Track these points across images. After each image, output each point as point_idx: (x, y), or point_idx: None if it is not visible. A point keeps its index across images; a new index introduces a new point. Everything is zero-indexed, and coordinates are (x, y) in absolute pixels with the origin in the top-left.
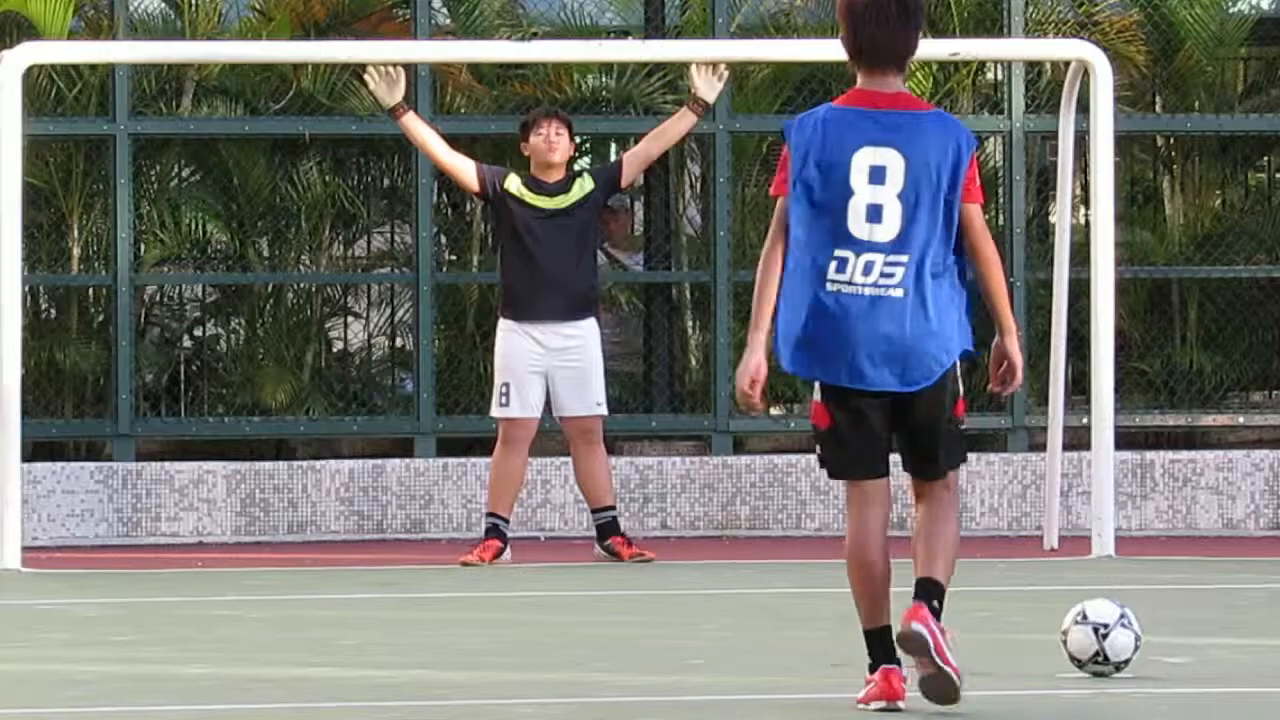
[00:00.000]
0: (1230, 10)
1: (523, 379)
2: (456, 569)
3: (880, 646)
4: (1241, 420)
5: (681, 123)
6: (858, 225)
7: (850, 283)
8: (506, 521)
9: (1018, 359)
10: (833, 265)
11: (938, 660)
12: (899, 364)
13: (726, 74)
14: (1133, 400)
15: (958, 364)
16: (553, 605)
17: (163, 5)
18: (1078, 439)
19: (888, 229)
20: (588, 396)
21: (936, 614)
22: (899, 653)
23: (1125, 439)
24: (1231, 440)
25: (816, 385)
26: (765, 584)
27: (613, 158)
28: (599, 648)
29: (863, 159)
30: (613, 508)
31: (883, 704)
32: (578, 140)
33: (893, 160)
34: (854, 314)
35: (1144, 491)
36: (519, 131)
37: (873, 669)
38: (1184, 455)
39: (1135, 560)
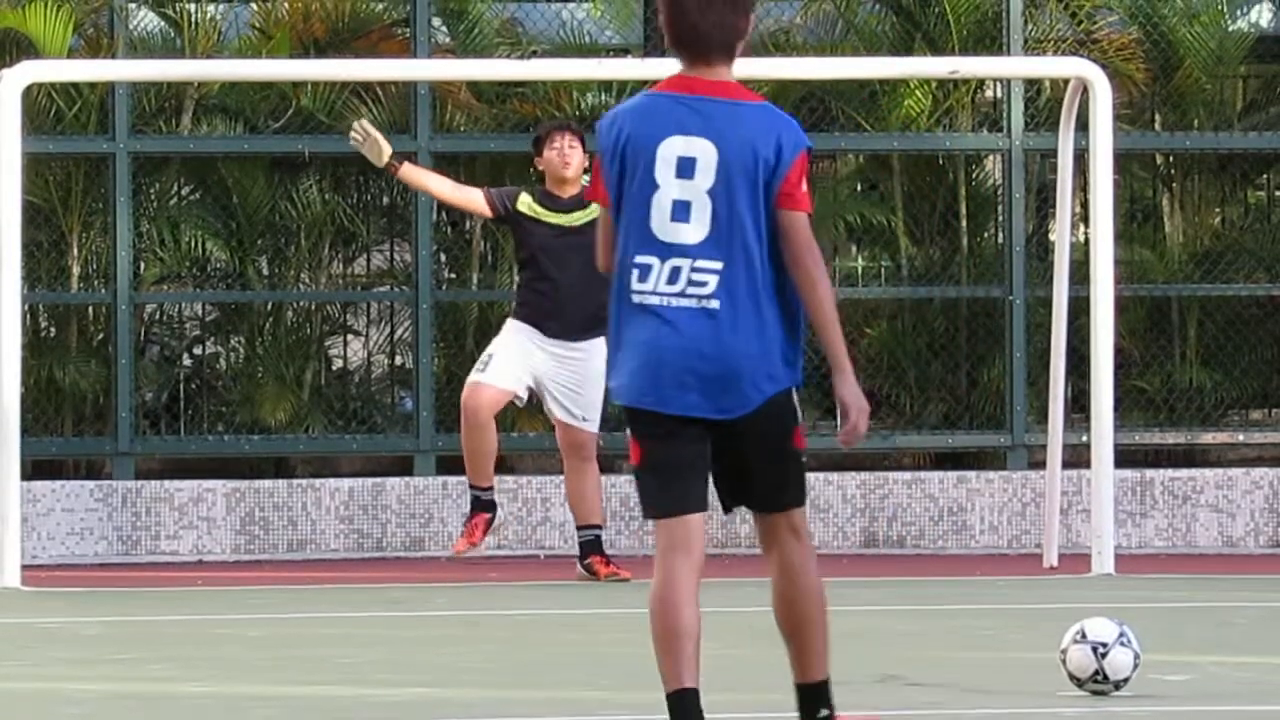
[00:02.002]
0: (1230, 28)
1: (511, 356)
2: (457, 587)
3: (681, 713)
4: (1241, 438)
5: None
6: (662, 225)
7: (655, 292)
8: (489, 489)
9: (851, 403)
10: (635, 273)
11: None
12: (712, 387)
13: None
14: (1132, 418)
15: (792, 391)
16: (552, 623)
17: (162, 23)
18: (1077, 457)
19: (696, 229)
20: (576, 408)
21: None
22: None
23: (1125, 457)
24: (1231, 458)
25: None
26: (765, 602)
27: None
28: (599, 666)
29: (670, 149)
30: (598, 527)
31: None
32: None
33: (704, 151)
34: (659, 328)
35: (1144, 509)
36: (532, 146)
37: None
38: (1183, 473)
39: (1135, 578)
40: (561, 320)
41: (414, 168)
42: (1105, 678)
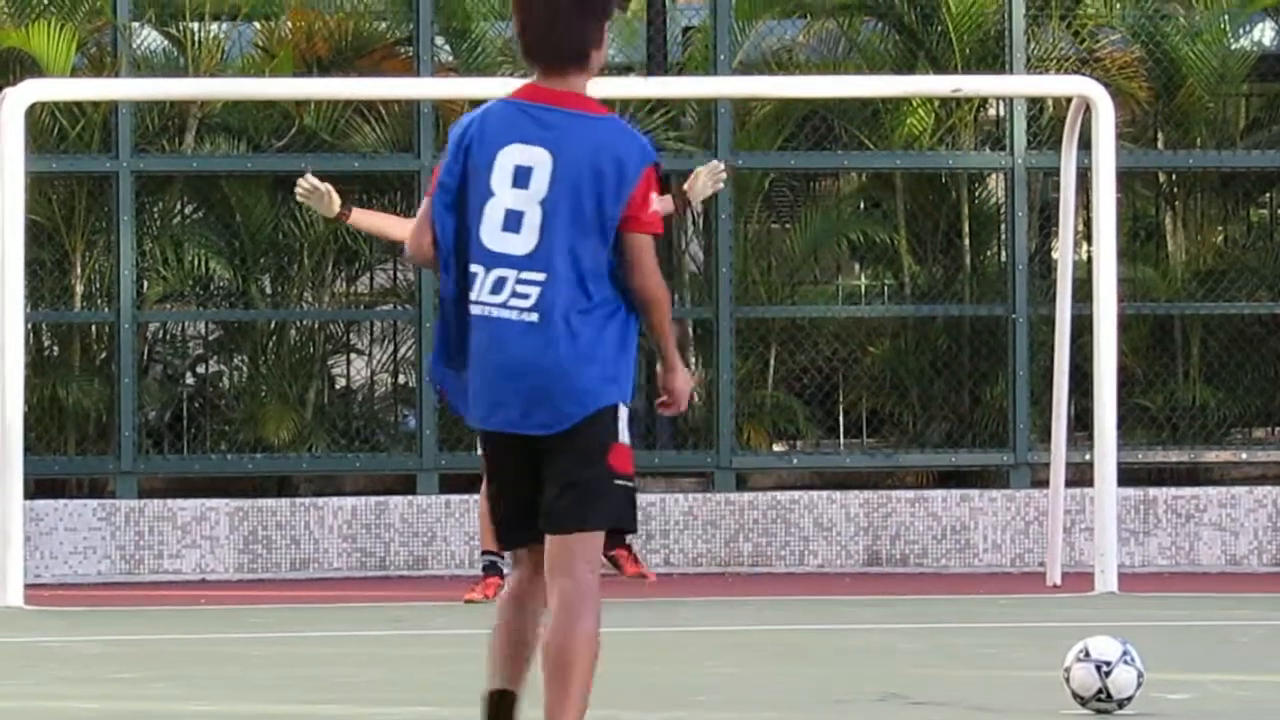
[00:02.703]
0: (1232, 47)
1: None
2: (459, 605)
3: (487, 714)
4: (1244, 456)
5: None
6: (492, 234)
7: (479, 301)
8: (501, 557)
9: (678, 389)
10: (468, 280)
11: None
12: (529, 403)
13: (725, 179)
14: (1135, 436)
15: (619, 410)
16: None
17: (165, 42)
18: (1080, 475)
19: (524, 240)
20: None
21: None
22: None
23: (1128, 475)
24: (1234, 476)
25: None
26: (768, 620)
27: None
28: (602, 684)
29: (508, 157)
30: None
31: None
32: None
33: (541, 161)
34: (483, 340)
35: (1147, 527)
36: None
37: None
38: (1186, 491)
39: (1138, 596)
40: None
41: (364, 211)
42: (1109, 696)
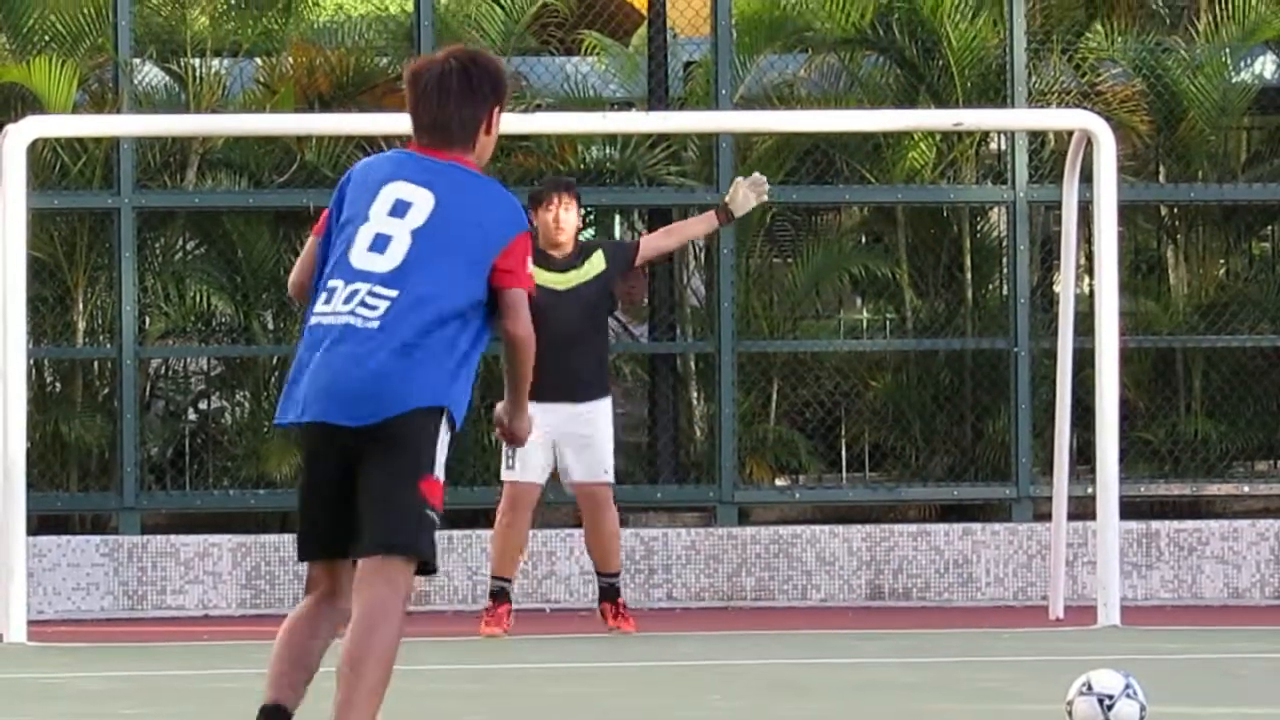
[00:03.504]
0: (1233, 80)
1: (528, 445)
2: (461, 641)
3: None
4: (1246, 489)
5: (703, 225)
6: (359, 255)
7: (329, 312)
8: (511, 582)
9: (520, 430)
10: (321, 297)
11: None
12: (352, 397)
13: (767, 192)
14: (1137, 469)
15: (439, 430)
16: (558, 677)
17: (166, 78)
18: (1083, 508)
19: (388, 260)
20: (595, 465)
21: None
22: None
23: (1130, 508)
24: (1236, 509)
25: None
26: (771, 655)
27: (616, 230)
28: (606, 717)
29: (391, 191)
30: (615, 575)
31: None
32: (588, 211)
33: (422, 198)
34: (316, 345)
35: (1149, 561)
36: (528, 202)
37: None
38: (1189, 524)
39: (1141, 630)
40: (555, 380)
41: None
42: None
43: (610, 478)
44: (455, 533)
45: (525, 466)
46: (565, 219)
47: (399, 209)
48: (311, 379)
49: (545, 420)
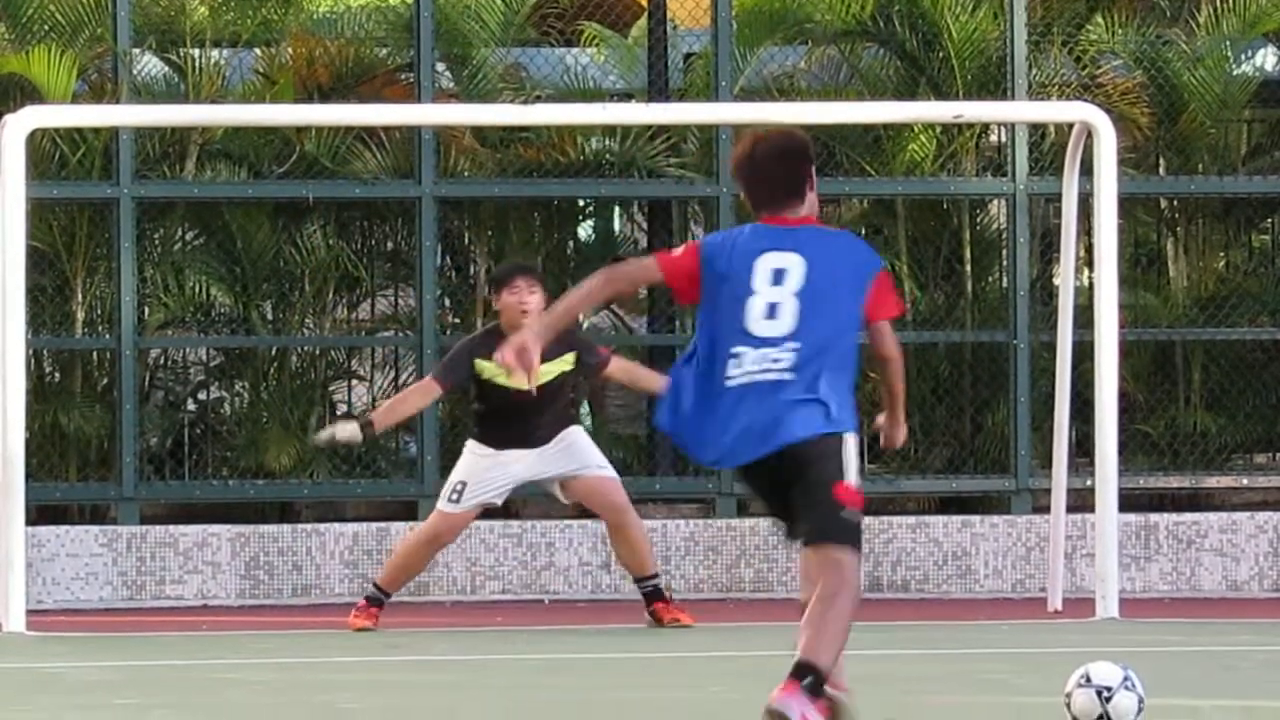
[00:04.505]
0: (1233, 73)
1: (483, 482)
2: (460, 631)
3: None
4: (1245, 482)
5: (653, 386)
6: (757, 323)
7: (745, 373)
8: (388, 597)
9: (898, 438)
10: (731, 362)
11: None
12: (763, 431)
13: None
14: (1136, 462)
15: (845, 440)
16: (556, 669)
17: (166, 69)
18: (1081, 501)
19: (783, 324)
20: (585, 468)
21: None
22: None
23: (1129, 501)
24: (1235, 502)
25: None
26: (770, 646)
27: (615, 222)
28: (603, 711)
29: (766, 263)
30: (654, 577)
31: None
32: (587, 203)
33: (794, 263)
34: (745, 400)
35: (1148, 553)
36: (490, 286)
37: None
38: (1188, 517)
39: (1139, 622)
40: (529, 441)
41: (384, 415)
42: None
43: (610, 472)
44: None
45: (469, 502)
46: (529, 301)
47: (778, 277)
48: (741, 429)
49: (510, 470)
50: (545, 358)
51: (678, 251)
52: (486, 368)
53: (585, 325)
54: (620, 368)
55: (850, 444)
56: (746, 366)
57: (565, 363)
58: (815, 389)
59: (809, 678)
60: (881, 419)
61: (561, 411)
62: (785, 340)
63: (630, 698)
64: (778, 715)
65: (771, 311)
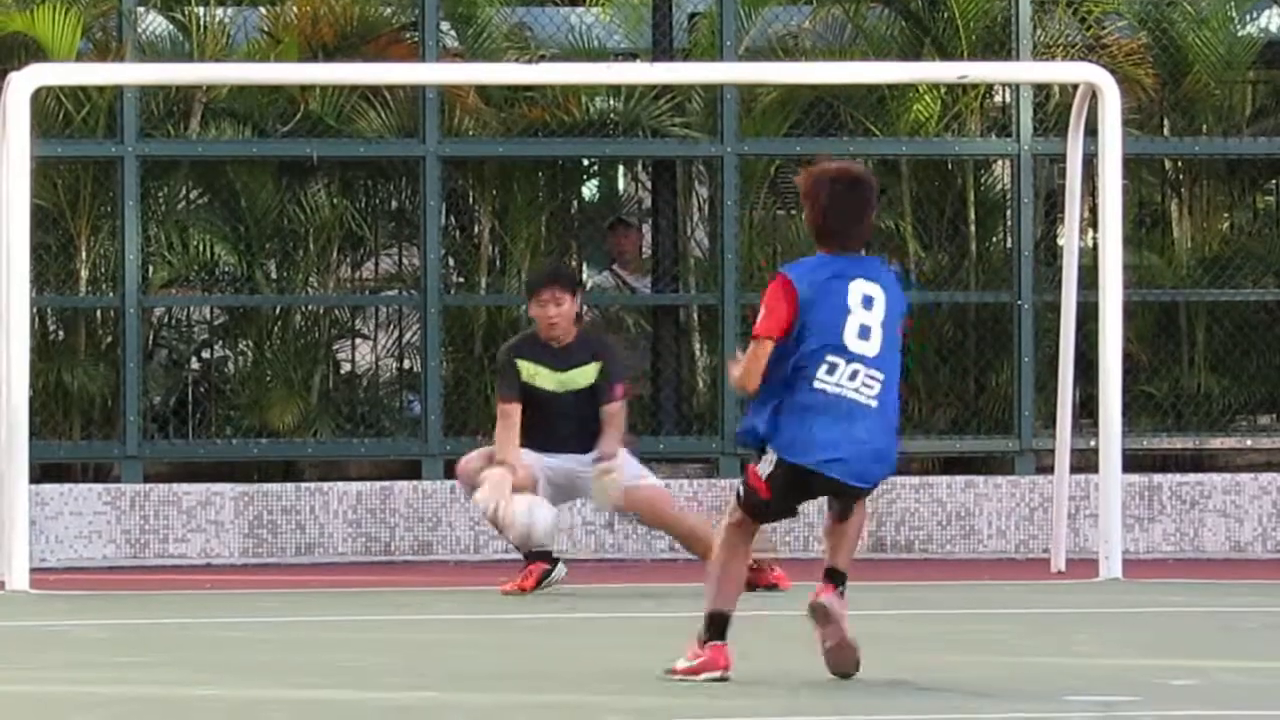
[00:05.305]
0: (1238, 33)
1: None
2: (463, 590)
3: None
4: (1249, 443)
5: (611, 445)
6: (852, 339)
7: (836, 384)
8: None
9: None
10: (824, 367)
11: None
12: (862, 467)
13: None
14: (1140, 423)
15: None
16: (560, 628)
17: (171, 27)
18: (1085, 462)
19: (872, 346)
20: (625, 478)
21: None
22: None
23: (1133, 462)
24: (1239, 463)
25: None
26: (773, 607)
27: (620, 181)
28: (607, 670)
29: (858, 287)
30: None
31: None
32: (591, 163)
33: (878, 293)
34: (836, 410)
35: (1151, 514)
36: (525, 291)
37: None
38: (1191, 478)
39: (1142, 583)
40: (561, 443)
41: (509, 453)
42: None
43: (651, 479)
44: (458, 483)
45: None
46: (557, 316)
47: (867, 303)
48: (827, 445)
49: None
50: (567, 359)
51: (772, 315)
52: (525, 368)
53: (590, 285)
54: (611, 414)
55: None
56: (838, 377)
57: (589, 374)
58: (890, 428)
59: (842, 584)
60: None
61: (590, 412)
62: (874, 363)
63: (633, 657)
64: (821, 608)
65: (864, 333)
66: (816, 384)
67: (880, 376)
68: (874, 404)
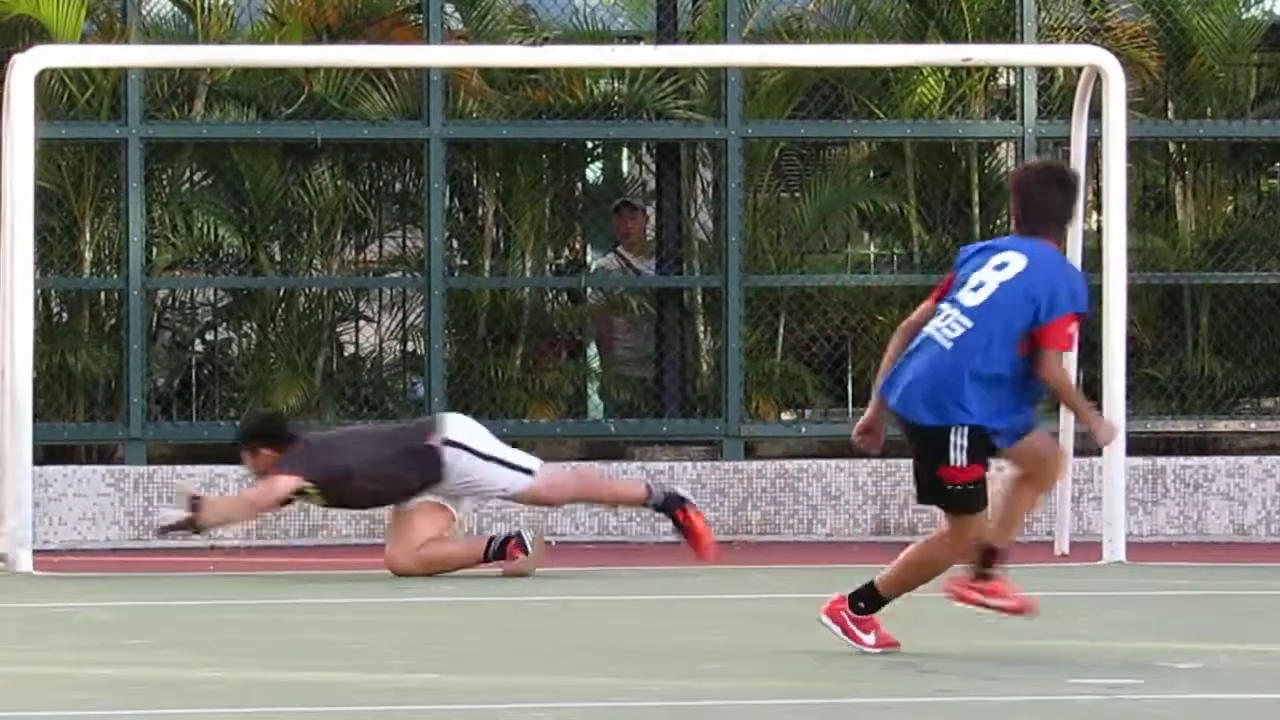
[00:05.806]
0: (1243, 16)
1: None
2: (466, 573)
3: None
4: (1253, 426)
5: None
6: (964, 292)
7: (934, 329)
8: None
9: (1103, 437)
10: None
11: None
12: (914, 398)
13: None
14: (1144, 406)
15: (950, 430)
16: (564, 610)
17: (175, 9)
18: (1089, 444)
19: (976, 297)
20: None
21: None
22: None
23: (1137, 445)
24: (1243, 446)
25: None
26: (776, 589)
27: (624, 164)
28: (610, 652)
29: (1001, 255)
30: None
31: None
32: (595, 145)
33: (1017, 260)
34: (918, 349)
35: (1155, 497)
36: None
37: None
38: (1195, 461)
39: (1146, 566)
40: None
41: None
42: None
43: (525, 479)
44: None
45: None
46: (251, 465)
47: (1000, 266)
48: (901, 377)
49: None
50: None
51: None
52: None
53: (594, 267)
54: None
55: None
56: (935, 321)
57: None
58: (956, 373)
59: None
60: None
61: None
62: (969, 311)
63: (637, 639)
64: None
65: (977, 286)
66: (923, 330)
67: (968, 324)
68: (948, 345)
